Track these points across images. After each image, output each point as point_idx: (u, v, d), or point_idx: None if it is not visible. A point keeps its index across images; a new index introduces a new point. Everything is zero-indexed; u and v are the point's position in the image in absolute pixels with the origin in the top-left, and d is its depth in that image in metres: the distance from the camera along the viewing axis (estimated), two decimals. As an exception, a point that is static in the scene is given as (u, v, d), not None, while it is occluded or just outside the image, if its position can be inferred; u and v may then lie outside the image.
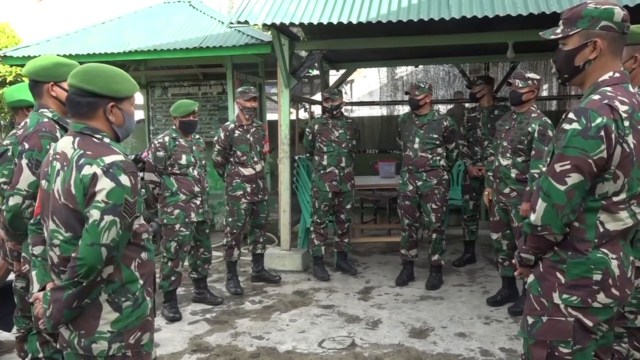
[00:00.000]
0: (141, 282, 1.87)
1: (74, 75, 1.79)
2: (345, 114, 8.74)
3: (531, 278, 1.86)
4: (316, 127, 5.01)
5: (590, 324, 1.73)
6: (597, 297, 1.72)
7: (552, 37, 1.84)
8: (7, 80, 8.59)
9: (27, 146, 2.27)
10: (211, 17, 7.05)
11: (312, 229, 5.11)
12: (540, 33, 1.95)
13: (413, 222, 4.68)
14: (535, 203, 1.76)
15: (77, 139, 1.79)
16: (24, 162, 2.26)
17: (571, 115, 1.70)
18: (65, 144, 1.80)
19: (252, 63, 7.96)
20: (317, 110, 9.47)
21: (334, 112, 4.95)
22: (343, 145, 4.97)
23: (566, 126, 1.70)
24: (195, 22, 7.01)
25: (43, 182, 1.86)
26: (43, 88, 2.39)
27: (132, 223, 1.79)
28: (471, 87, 5.28)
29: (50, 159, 1.83)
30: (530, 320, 1.82)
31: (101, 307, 1.78)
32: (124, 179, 1.73)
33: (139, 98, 14.19)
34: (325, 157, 4.95)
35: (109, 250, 1.70)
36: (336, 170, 4.95)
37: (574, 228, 1.73)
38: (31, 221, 2.09)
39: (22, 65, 7.71)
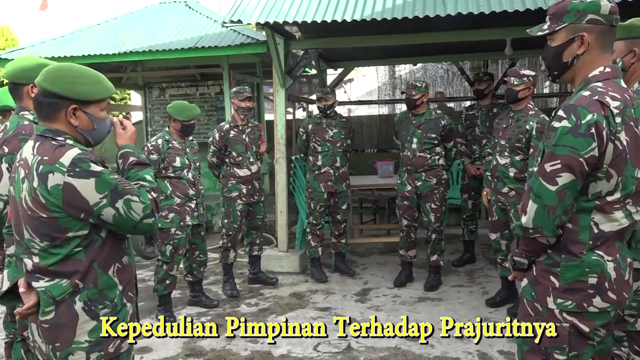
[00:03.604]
0: (120, 287, 1.80)
1: (41, 75, 1.71)
2: (345, 113, 8.67)
3: (525, 282, 1.80)
4: (310, 126, 4.95)
5: (586, 329, 1.67)
6: (593, 302, 1.65)
7: (539, 33, 1.79)
8: (4, 83, 8.53)
9: (6, 150, 2.22)
10: (207, 17, 7.01)
11: (308, 230, 5.05)
12: (527, 30, 1.89)
13: (412, 222, 4.61)
14: (525, 205, 1.69)
15: (37, 143, 1.71)
16: (4, 166, 2.21)
17: (560, 112, 1.64)
18: (28, 150, 1.73)
19: (249, 63, 7.91)
20: (315, 110, 9.41)
21: (328, 112, 4.89)
22: (337, 145, 4.91)
23: (555, 124, 1.63)
24: (191, 22, 6.96)
25: (11, 189, 1.80)
26: (23, 90, 2.34)
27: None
28: (475, 84, 5.16)
29: (17, 164, 1.77)
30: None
31: (77, 316, 1.71)
32: (95, 167, 1.65)
33: (136, 99, 14.16)
34: (319, 157, 4.89)
35: (151, 213, 1.75)
36: (331, 171, 4.89)
37: (567, 230, 1.67)
38: (6, 224, 2.04)
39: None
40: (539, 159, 1.74)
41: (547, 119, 3.73)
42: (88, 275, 1.71)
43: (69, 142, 1.72)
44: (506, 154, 3.85)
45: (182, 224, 4.03)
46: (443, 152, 4.55)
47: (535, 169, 1.74)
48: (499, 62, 8.48)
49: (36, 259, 1.70)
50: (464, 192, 5.26)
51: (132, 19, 7.44)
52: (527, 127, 3.73)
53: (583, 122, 1.58)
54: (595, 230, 1.65)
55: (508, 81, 3.81)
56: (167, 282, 4.07)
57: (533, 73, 3.83)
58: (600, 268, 1.65)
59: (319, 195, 4.91)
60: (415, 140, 4.48)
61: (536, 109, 3.86)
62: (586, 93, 1.64)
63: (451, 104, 8.60)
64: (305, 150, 5.04)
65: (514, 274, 1.88)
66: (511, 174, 3.83)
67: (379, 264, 5.46)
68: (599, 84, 1.66)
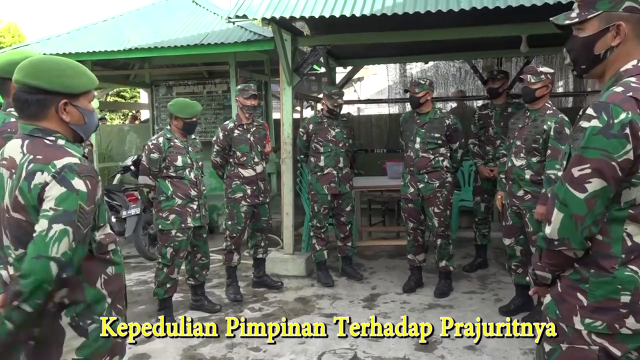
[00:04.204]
0: (109, 300, 1.67)
1: (20, 70, 1.58)
2: (354, 112, 8.49)
3: (548, 299, 1.62)
4: (311, 126, 4.76)
5: (618, 352, 1.48)
6: (626, 322, 1.47)
7: (567, 22, 1.60)
8: (11, 80, 8.45)
9: None
10: (214, 13, 6.88)
11: (312, 234, 4.88)
12: (551, 19, 1.71)
13: (418, 225, 4.44)
14: (550, 214, 1.52)
15: (27, 142, 1.58)
16: None
17: (590, 111, 1.46)
18: (13, 148, 1.60)
19: (257, 61, 7.78)
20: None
21: (334, 113, 4.73)
22: (340, 145, 4.74)
23: (584, 124, 1.45)
24: (198, 18, 6.84)
25: None
26: (10, 85, 2.20)
27: (88, 235, 1.58)
28: (489, 83, 4.95)
29: None
30: (547, 347, 1.59)
31: (64, 332, 1.57)
32: (78, 183, 1.52)
33: (143, 97, 14.07)
34: (322, 158, 4.72)
35: (60, 266, 1.47)
36: (334, 172, 4.72)
37: (597, 242, 1.49)
38: None
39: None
40: (565, 162, 1.57)
41: (566, 118, 3.55)
42: (74, 288, 1.58)
43: (61, 141, 1.60)
44: (522, 155, 3.66)
45: (183, 225, 3.89)
46: (448, 154, 4.36)
47: (559, 173, 1.57)
48: (512, 60, 8.26)
49: (12, 270, 1.56)
50: (477, 195, 5.07)
51: (138, 16, 7.33)
52: (545, 127, 3.54)
53: (616, 121, 1.40)
54: (629, 243, 1.47)
55: (525, 79, 3.61)
56: (168, 285, 3.93)
57: (551, 70, 3.64)
58: (635, 285, 1.47)
59: (322, 198, 4.74)
60: (418, 140, 4.29)
61: (554, 108, 3.66)
62: (618, 89, 1.46)
63: (469, 103, 8.40)
64: (305, 151, 4.86)
65: (534, 289, 1.71)
66: (527, 177, 3.64)
67: (387, 268, 5.29)
68: (633, 79, 1.48)
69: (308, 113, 8.46)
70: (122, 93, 15.45)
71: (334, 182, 4.72)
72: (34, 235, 1.48)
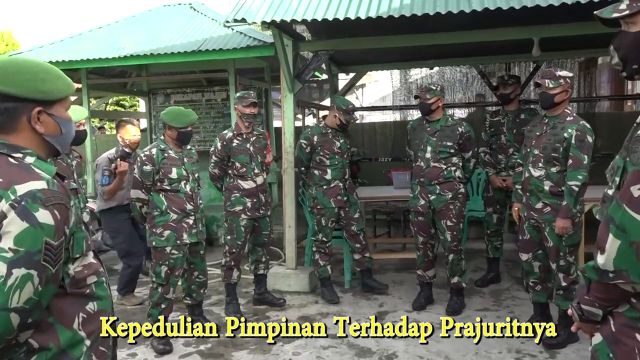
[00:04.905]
0: (88, 342, 1.42)
1: None
2: (357, 120, 8.26)
3: (598, 339, 1.39)
4: (315, 138, 4.50)
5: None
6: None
7: (615, 15, 1.38)
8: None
9: None
10: (213, 19, 6.67)
11: (314, 249, 4.63)
12: (596, 12, 1.48)
13: (428, 239, 4.19)
14: (604, 240, 1.28)
15: None
16: None
17: None
18: None
19: (257, 68, 7.58)
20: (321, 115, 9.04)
21: (345, 127, 4.53)
22: (345, 157, 4.55)
23: None
24: (196, 25, 6.63)
25: None
26: None
27: (60, 271, 1.34)
28: (499, 88, 4.72)
29: None
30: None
31: None
32: (43, 215, 1.26)
33: (143, 106, 13.85)
34: (329, 170, 4.48)
35: (22, 317, 1.24)
36: (340, 184, 4.51)
37: (661, 274, 1.26)
38: None
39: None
40: (617, 179, 1.33)
41: (588, 125, 3.32)
42: (44, 331, 1.34)
43: (29, 159, 1.36)
44: (540, 165, 3.42)
45: (178, 242, 3.65)
46: (460, 164, 4.12)
47: (610, 191, 1.33)
48: (522, 65, 8.04)
49: None
50: (488, 206, 4.82)
51: (135, 22, 7.13)
52: (565, 135, 3.30)
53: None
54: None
55: (542, 84, 3.38)
56: (163, 306, 3.69)
57: (570, 74, 3.41)
58: None
59: (330, 211, 4.50)
60: (429, 149, 4.06)
61: (574, 114, 3.43)
62: None
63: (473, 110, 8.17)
64: (307, 163, 4.58)
65: (578, 325, 1.47)
66: (546, 188, 3.40)
67: (395, 283, 5.04)
68: None
69: (310, 121, 8.23)
70: (121, 102, 15.27)
71: (341, 194, 4.51)
72: None
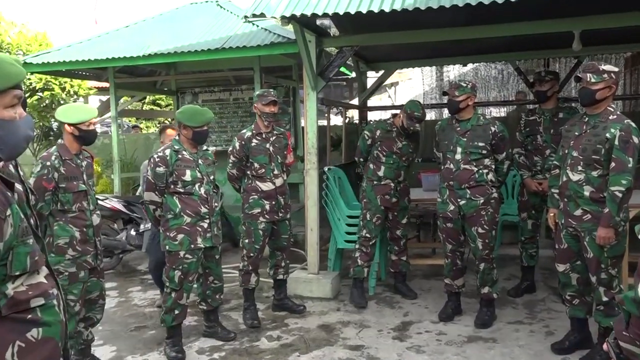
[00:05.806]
0: None
1: None
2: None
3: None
4: (378, 132, 4.41)
5: None
6: None
7: None
8: (37, 88, 8.37)
9: None
10: (238, 16, 6.52)
11: (357, 246, 4.47)
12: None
13: (457, 246, 3.94)
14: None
15: None
16: None
17: None
18: None
19: (285, 66, 7.45)
20: (355, 115, 8.80)
21: (407, 131, 4.35)
22: (404, 159, 4.41)
23: None
24: (222, 22, 6.54)
25: None
26: None
27: None
28: (536, 85, 4.39)
29: None
30: None
31: None
32: None
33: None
34: (382, 167, 4.37)
35: None
36: (392, 184, 4.41)
37: None
38: None
39: (44, 72, 7.50)
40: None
41: (633, 125, 3.01)
42: None
43: None
44: (580, 168, 3.13)
45: (192, 246, 3.51)
46: (493, 166, 3.85)
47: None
48: (561, 60, 7.62)
49: None
50: (523, 211, 4.51)
51: (161, 21, 7.10)
52: (608, 135, 3.00)
53: None
54: None
55: (583, 78, 3.08)
56: (176, 312, 3.56)
57: (616, 69, 3.09)
58: None
59: (375, 207, 4.39)
60: (459, 150, 3.80)
61: (618, 112, 3.12)
62: None
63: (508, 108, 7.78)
64: (366, 155, 4.49)
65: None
66: (586, 193, 3.11)
67: (422, 291, 4.79)
68: None
69: (337, 120, 8.03)
70: (157, 101, 15.42)
71: (389, 194, 4.40)
72: None
